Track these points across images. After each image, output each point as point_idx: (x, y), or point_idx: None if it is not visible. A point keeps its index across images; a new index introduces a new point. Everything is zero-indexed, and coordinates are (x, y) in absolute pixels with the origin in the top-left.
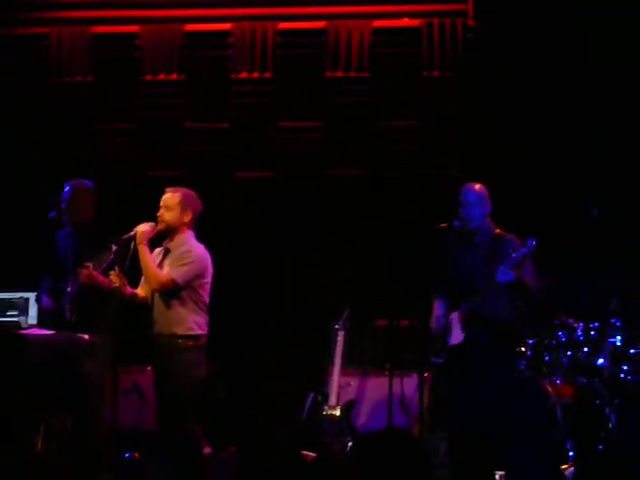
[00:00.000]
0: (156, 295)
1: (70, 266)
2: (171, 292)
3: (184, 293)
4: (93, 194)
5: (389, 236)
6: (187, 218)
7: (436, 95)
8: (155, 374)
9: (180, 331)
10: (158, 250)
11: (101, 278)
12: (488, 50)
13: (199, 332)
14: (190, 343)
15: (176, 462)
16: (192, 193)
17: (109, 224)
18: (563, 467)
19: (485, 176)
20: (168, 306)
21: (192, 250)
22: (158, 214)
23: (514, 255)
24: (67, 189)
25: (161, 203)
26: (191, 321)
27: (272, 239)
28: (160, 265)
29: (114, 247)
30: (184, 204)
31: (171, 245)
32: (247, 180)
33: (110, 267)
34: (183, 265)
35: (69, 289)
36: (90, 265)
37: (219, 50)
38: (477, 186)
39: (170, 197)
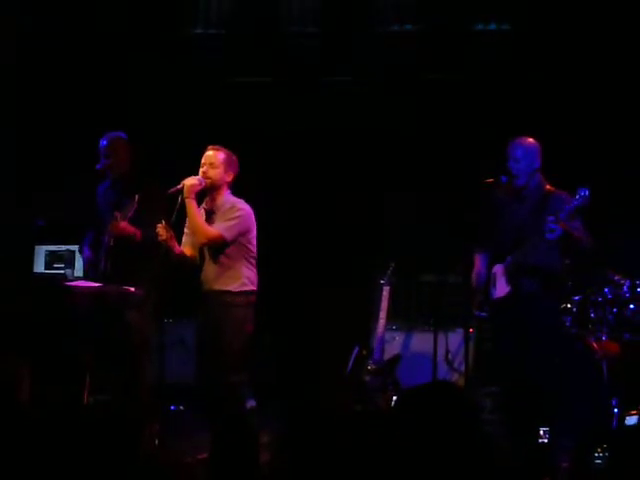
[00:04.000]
0: (206, 252)
1: (108, 218)
2: (220, 248)
3: (234, 249)
4: (129, 146)
5: (435, 191)
6: (229, 177)
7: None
8: (203, 329)
9: (234, 287)
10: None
11: (129, 228)
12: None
13: (251, 288)
14: (243, 299)
15: (219, 415)
16: (234, 154)
17: (147, 176)
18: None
19: (536, 130)
20: (219, 263)
21: (237, 205)
22: (202, 170)
23: (565, 207)
24: (104, 142)
25: (204, 160)
26: (244, 277)
27: (318, 193)
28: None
29: (137, 197)
30: (228, 163)
31: (214, 206)
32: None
33: (135, 217)
34: (230, 220)
35: (105, 240)
36: (118, 215)
37: None
38: (526, 140)
39: (214, 155)
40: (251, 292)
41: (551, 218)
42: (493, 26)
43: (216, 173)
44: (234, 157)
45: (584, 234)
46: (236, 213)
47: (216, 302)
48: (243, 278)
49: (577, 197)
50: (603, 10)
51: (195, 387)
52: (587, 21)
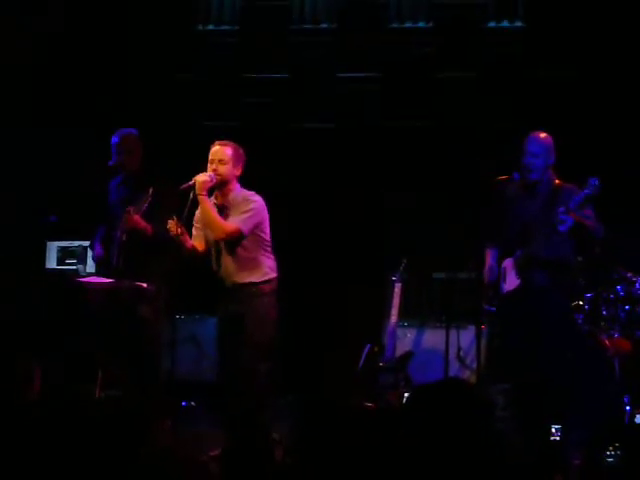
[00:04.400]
0: (222, 247)
1: (120, 214)
2: (237, 241)
3: (251, 240)
4: (141, 142)
5: (446, 188)
6: (238, 171)
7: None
8: (227, 323)
9: (257, 278)
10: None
11: (142, 223)
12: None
13: (273, 275)
14: (267, 287)
15: (241, 409)
16: (240, 147)
17: (158, 171)
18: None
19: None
20: (238, 255)
21: (250, 198)
22: (212, 168)
23: (575, 197)
24: (116, 139)
25: (212, 157)
26: (265, 266)
27: (332, 189)
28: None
29: (151, 190)
30: (236, 157)
31: (225, 201)
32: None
33: (148, 211)
34: (245, 212)
35: (117, 235)
36: (131, 209)
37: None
38: (542, 135)
39: (222, 150)
40: (273, 279)
41: (561, 209)
42: (506, 23)
43: (226, 169)
44: (241, 150)
45: (596, 222)
46: (250, 205)
47: (241, 294)
48: (265, 267)
49: (587, 186)
50: (616, 8)
51: (215, 382)
52: (599, 18)
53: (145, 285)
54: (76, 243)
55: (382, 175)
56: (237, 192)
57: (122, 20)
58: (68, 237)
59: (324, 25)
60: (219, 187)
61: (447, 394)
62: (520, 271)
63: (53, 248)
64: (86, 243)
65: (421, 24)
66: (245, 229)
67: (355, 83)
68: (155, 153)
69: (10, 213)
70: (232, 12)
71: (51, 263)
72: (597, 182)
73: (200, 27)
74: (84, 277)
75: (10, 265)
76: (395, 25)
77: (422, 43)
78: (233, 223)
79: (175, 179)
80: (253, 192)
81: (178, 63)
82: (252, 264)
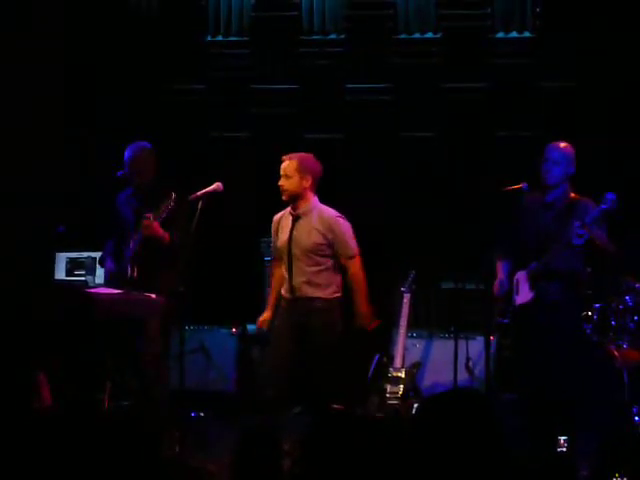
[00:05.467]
0: (298, 262)
1: (132, 226)
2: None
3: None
4: (154, 155)
5: (456, 199)
6: (307, 183)
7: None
8: (299, 335)
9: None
10: (280, 215)
11: (160, 230)
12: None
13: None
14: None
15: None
16: (310, 156)
17: (170, 184)
18: None
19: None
20: (313, 272)
21: (338, 220)
22: (279, 183)
23: (592, 212)
24: (129, 152)
25: (281, 172)
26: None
27: (338, 197)
28: (292, 231)
29: (173, 195)
30: (302, 169)
31: (300, 212)
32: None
33: (170, 217)
34: (347, 237)
35: (131, 246)
36: (150, 216)
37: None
38: (563, 144)
39: (287, 165)
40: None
41: (577, 223)
42: (514, 34)
43: (291, 183)
44: (309, 161)
45: (607, 242)
46: (344, 226)
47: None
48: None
49: (604, 202)
50: (625, 17)
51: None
52: (609, 28)
53: (154, 296)
54: (85, 254)
55: (391, 185)
56: (311, 204)
57: (131, 30)
58: (77, 248)
59: (333, 36)
60: (292, 200)
61: (457, 404)
62: (534, 283)
63: (62, 259)
64: (95, 254)
65: (429, 35)
66: (356, 250)
67: (364, 93)
68: (166, 165)
69: (19, 224)
70: (241, 23)
71: (60, 274)
72: (614, 197)
73: (209, 38)
74: (92, 288)
75: (19, 276)
76: (403, 36)
77: (430, 53)
78: (350, 253)
79: (186, 190)
80: (330, 208)
81: (187, 74)
82: (327, 279)
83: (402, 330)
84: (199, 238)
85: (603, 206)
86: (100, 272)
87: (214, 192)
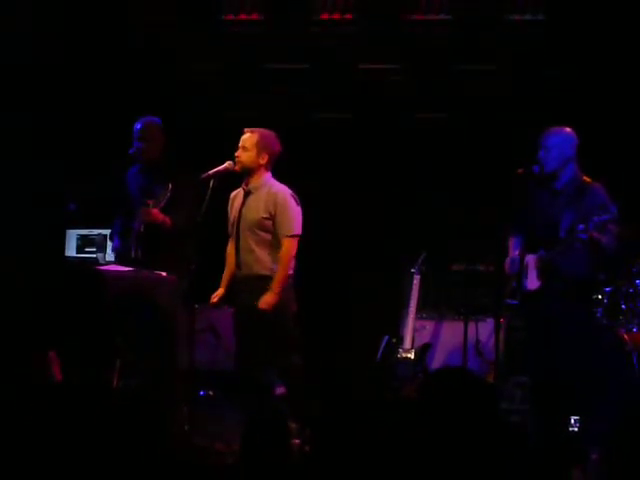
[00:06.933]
0: (245, 237)
1: (138, 204)
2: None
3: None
4: (163, 131)
5: (466, 181)
6: (263, 160)
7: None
8: (250, 314)
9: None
10: (236, 192)
11: (161, 216)
12: None
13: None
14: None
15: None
16: (271, 134)
17: (175, 162)
18: None
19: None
20: (258, 248)
21: (287, 199)
22: (236, 154)
23: (595, 219)
24: (139, 126)
25: (240, 143)
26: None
27: (351, 183)
28: (242, 206)
29: (170, 185)
30: (261, 145)
31: (251, 187)
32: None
33: (167, 205)
34: (291, 214)
35: (135, 226)
36: (150, 202)
37: None
38: (559, 129)
39: (248, 137)
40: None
41: (580, 227)
42: (528, 16)
43: (248, 156)
44: (270, 139)
45: (612, 240)
46: (290, 206)
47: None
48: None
49: (608, 213)
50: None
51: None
52: (622, 13)
53: (164, 274)
54: (95, 231)
55: (402, 166)
56: (263, 180)
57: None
58: (88, 225)
59: (345, 15)
60: (245, 174)
61: (450, 384)
62: (541, 274)
63: (73, 236)
64: (105, 231)
65: (442, 15)
66: (298, 231)
67: (375, 74)
68: (175, 143)
69: (29, 202)
70: (253, 2)
71: (71, 251)
72: (615, 210)
73: (221, 17)
74: (103, 265)
75: (30, 253)
76: (416, 16)
77: (442, 35)
78: (288, 232)
79: (195, 169)
80: (280, 184)
81: (198, 53)
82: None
83: (412, 311)
84: (210, 217)
85: (605, 217)
86: (111, 250)
87: (226, 171)
